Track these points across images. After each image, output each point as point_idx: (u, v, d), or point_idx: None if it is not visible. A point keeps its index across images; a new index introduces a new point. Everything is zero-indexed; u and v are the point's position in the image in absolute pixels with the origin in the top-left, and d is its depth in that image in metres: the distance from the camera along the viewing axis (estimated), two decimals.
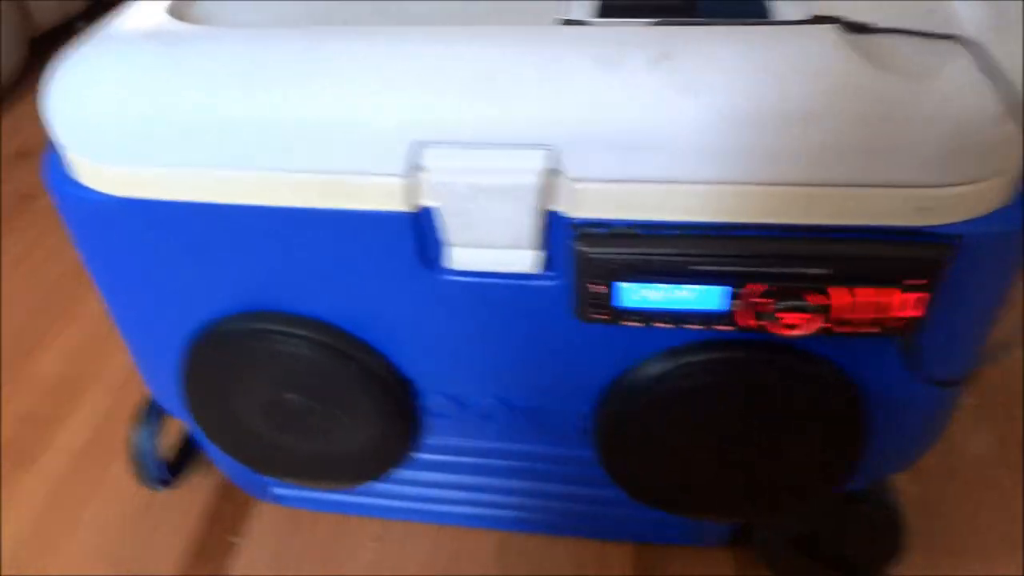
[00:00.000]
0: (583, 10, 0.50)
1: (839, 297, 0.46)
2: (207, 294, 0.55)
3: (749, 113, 0.42)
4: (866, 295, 0.46)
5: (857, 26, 0.44)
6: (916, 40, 0.44)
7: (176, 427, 0.77)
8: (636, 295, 0.48)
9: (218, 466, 0.80)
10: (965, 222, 0.44)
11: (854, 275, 0.45)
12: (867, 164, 0.42)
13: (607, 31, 0.46)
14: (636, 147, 0.43)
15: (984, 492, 0.80)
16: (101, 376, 0.96)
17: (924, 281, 0.45)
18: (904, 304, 0.46)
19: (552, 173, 0.45)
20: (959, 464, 0.82)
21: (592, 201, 0.46)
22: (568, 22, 0.49)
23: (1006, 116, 0.41)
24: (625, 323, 0.49)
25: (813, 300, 0.46)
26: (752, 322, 0.48)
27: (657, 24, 0.47)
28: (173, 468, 0.78)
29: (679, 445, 0.57)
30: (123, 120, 0.47)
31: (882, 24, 0.44)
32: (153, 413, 0.74)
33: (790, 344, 0.51)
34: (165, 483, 0.77)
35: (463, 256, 0.49)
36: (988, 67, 0.41)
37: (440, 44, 0.46)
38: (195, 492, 0.83)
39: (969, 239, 0.44)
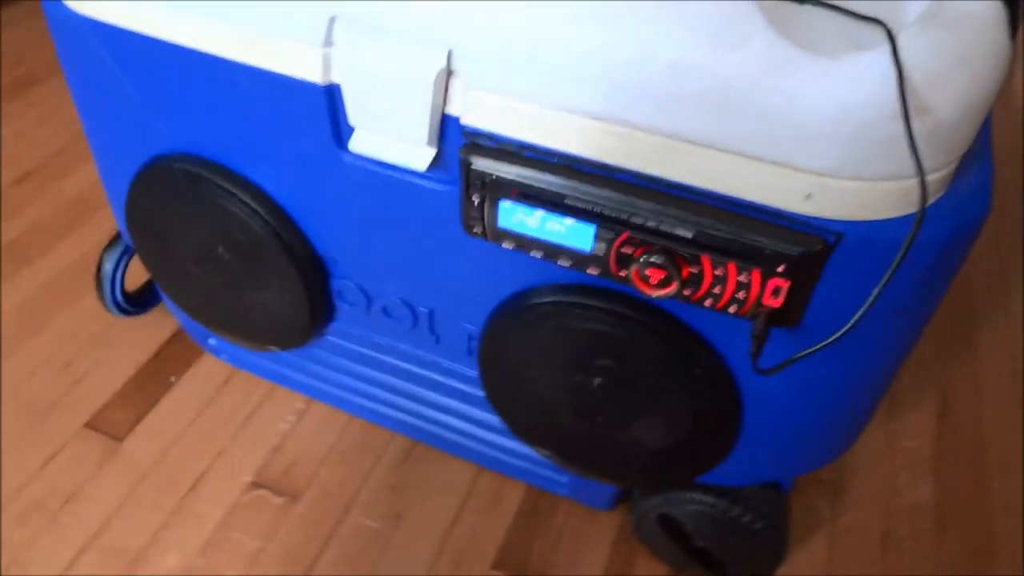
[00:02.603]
0: None
1: (701, 264, 0.45)
2: (148, 128, 0.58)
3: (642, 53, 0.41)
4: (727, 270, 0.44)
5: None
6: (843, 18, 0.42)
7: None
8: (514, 217, 0.48)
9: (168, 307, 0.85)
10: (846, 222, 0.42)
11: (716, 245, 0.44)
12: (749, 130, 0.41)
13: None
14: (526, 64, 0.43)
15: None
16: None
17: (785, 269, 0.43)
18: (764, 290, 0.44)
19: (450, 74, 0.45)
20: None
21: (483, 111, 0.46)
22: None
23: (900, 116, 0.39)
24: (502, 243, 0.50)
25: (674, 262, 0.45)
26: (618, 271, 0.47)
27: None
28: (134, 300, 0.83)
29: (544, 384, 0.57)
30: None
31: None
32: (120, 240, 0.79)
33: (659, 306, 0.50)
34: (123, 311, 0.82)
35: (364, 140, 0.50)
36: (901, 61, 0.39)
37: None
38: (154, 329, 0.88)
39: (850, 240, 0.43)
